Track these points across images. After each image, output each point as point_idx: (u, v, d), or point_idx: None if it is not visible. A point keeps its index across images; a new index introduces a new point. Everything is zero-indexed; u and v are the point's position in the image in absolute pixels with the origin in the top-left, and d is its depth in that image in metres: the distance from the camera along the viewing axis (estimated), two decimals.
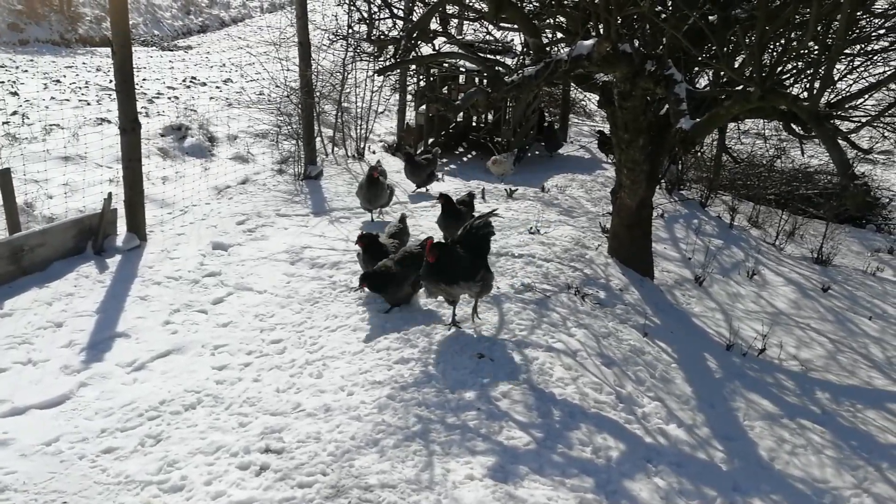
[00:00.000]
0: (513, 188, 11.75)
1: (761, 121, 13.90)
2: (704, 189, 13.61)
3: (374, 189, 9.37)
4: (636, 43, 7.34)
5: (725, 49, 7.49)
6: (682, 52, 7.03)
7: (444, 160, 14.45)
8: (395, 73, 13.50)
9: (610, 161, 14.78)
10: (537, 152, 15.91)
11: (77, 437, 4.97)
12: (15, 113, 12.01)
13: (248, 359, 6.07)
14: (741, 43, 6.87)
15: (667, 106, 7.51)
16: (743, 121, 9.97)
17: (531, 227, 9.59)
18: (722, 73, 7.66)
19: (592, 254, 8.89)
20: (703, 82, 10.68)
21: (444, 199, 8.41)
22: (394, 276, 6.69)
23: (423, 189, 11.82)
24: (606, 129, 16.28)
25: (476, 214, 7.74)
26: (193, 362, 6.02)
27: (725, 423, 6.08)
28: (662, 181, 12.96)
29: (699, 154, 14.28)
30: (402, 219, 8.13)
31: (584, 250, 8.95)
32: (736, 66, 7.61)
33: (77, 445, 4.89)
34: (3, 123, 11.22)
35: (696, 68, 8.66)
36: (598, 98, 8.73)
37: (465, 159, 14.74)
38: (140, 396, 5.44)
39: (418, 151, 14.21)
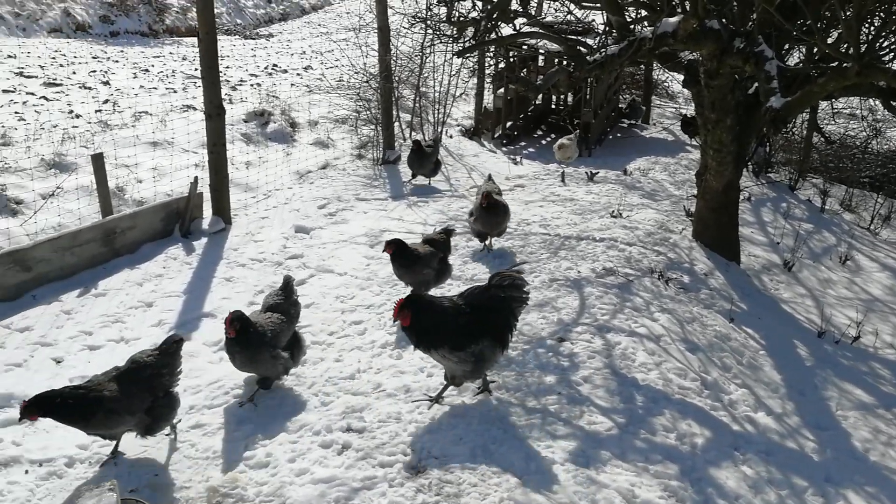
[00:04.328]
0: (594, 171, 11.56)
1: (854, 101, 13.32)
2: (794, 172, 13.12)
3: (491, 217, 7.66)
4: (723, 19, 7.09)
5: (820, 23, 7.17)
6: (774, 28, 6.75)
7: (523, 143, 14.33)
8: (472, 55, 13.41)
9: (693, 143, 14.40)
10: (619, 134, 15.61)
11: None
12: (107, 101, 12.42)
13: (329, 339, 6.15)
14: (837, 16, 6.55)
15: (756, 84, 7.25)
16: (837, 99, 9.55)
17: (613, 211, 9.42)
18: (816, 48, 7.34)
19: (676, 238, 8.68)
20: (792, 60, 10.28)
21: (393, 246, 6.33)
22: (101, 402, 4.32)
23: (426, 181, 10.86)
24: (689, 111, 15.87)
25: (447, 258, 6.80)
26: None
27: (817, 412, 5.86)
28: (749, 163, 12.55)
29: (789, 135, 13.77)
30: (287, 283, 5.72)
31: (668, 234, 8.75)
32: (831, 40, 7.28)
33: None
34: (96, 111, 11.63)
35: (787, 45, 8.32)
36: (682, 78, 8.49)
37: (543, 142, 14.58)
38: (226, 375, 5.56)
39: (496, 135, 14.12)
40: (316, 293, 7.00)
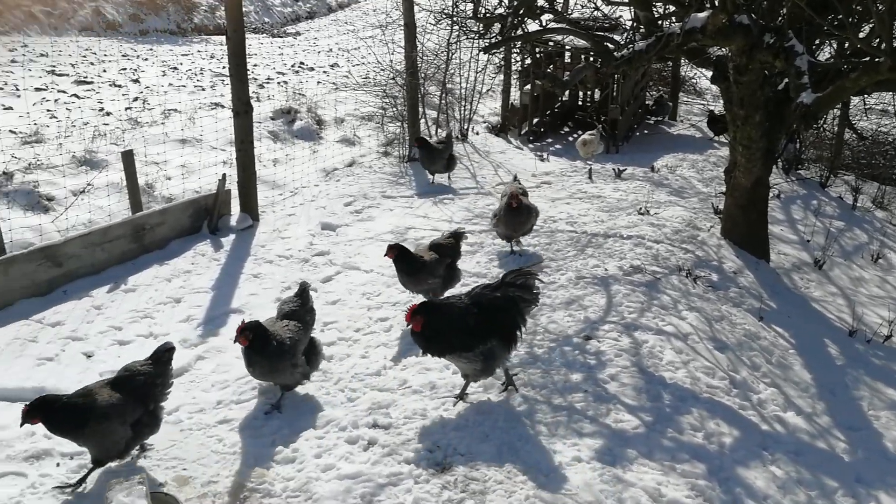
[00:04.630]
0: (621, 168, 11.49)
1: (887, 97, 13.09)
2: (824, 168, 12.92)
3: (515, 218, 7.54)
4: (753, 14, 7.01)
5: (851, 17, 7.06)
6: (804, 22, 6.66)
7: (549, 140, 14.27)
8: (499, 52, 13.37)
9: (720, 140, 14.25)
10: (646, 131, 15.49)
11: (195, 408, 5.17)
12: (136, 99, 12.57)
13: (356, 335, 6.17)
14: (869, 10, 6.44)
15: (786, 80, 7.15)
16: (869, 94, 9.39)
17: (640, 208, 9.35)
18: (847, 43, 7.22)
19: (704, 235, 8.60)
20: (823, 55, 10.13)
21: (395, 251, 6.09)
22: (92, 410, 4.23)
23: (446, 179, 10.69)
24: (716, 108, 15.71)
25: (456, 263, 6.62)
26: None
27: (848, 412, 5.77)
28: (779, 160, 12.39)
29: (820, 131, 13.57)
30: (303, 289, 5.58)
31: (696, 232, 8.67)
32: (863, 35, 7.16)
33: (195, 416, 5.09)
34: (126, 109, 11.77)
35: (818, 39, 8.19)
36: (710, 74, 8.39)
37: (570, 139, 14.50)
38: None
39: (522, 132, 14.08)
40: (342, 290, 7.03)
